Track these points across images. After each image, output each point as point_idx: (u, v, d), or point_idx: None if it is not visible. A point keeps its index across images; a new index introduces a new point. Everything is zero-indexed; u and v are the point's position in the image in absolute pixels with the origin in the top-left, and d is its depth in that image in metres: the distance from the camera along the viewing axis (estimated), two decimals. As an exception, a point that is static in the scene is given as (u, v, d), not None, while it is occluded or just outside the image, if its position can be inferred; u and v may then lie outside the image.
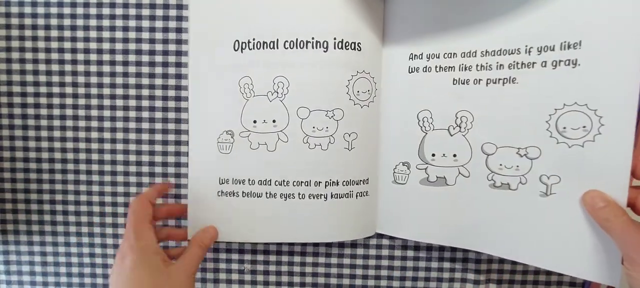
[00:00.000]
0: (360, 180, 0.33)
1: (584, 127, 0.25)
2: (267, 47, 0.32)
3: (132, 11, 0.33)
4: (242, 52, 0.32)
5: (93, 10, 0.33)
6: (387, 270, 0.36)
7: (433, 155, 0.31)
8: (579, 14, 0.25)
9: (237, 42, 0.32)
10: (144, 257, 0.26)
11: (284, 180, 0.33)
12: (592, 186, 0.25)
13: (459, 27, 0.29)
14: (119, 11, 0.33)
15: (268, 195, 0.33)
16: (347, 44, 0.31)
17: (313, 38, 0.31)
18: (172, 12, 0.33)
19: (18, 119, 0.34)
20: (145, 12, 0.33)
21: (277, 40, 0.32)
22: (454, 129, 0.30)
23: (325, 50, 0.31)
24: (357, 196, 0.33)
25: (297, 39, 0.31)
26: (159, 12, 0.33)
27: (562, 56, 0.26)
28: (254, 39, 0.32)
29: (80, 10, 0.33)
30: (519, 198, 0.28)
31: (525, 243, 0.28)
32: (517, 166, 0.28)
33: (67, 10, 0.33)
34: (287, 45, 0.32)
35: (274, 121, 0.32)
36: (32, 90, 0.34)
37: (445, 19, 0.29)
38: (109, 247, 0.37)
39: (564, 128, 0.26)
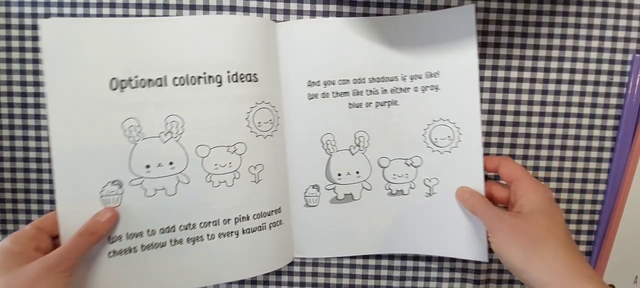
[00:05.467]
0: (272, 211, 0.33)
1: (449, 137, 0.32)
2: (153, 85, 0.29)
3: (132, 11, 0.33)
4: (122, 91, 0.28)
5: (93, 11, 0.33)
6: (387, 270, 0.36)
7: (339, 174, 0.33)
8: (435, 53, 0.32)
9: (114, 81, 0.28)
10: None
11: (189, 224, 0.31)
12: (461, 183, 0.32)
13: (349, 56, 0.32)
14: (118, 11, 0.33)
15: (173, 242, 0.30)
16: (242, 76, 0.30)
17: (205, 73, 0.30)
18: (172, 13, 0.33)
19: (18, 119, 0.33)
20: (145, 12, 0.33)
21: (165, 77, 0.29)
22: (354, 148, 0.33)
23: (219, 84, 0.30)
24: (270, 227, 0.33)
25: (187, 75, 0.29)
26: (159, 12, 0.33)
27: (427, 83, 0.32)
28: (136, 77, 0.29)
29: (80, 11, 0.33)
30: (410, 201, 0.33)
31: (420, 238, 0.33)
32: (407, 174, 0.33)
33: (67, 11, 0.33)
34: (177, 81, 0.29)
35: (171, 163, 0.30)
36: (32, 90, 0.33)
37: (335, 49, 0.32)
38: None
39: (436, 139, 0.32)
